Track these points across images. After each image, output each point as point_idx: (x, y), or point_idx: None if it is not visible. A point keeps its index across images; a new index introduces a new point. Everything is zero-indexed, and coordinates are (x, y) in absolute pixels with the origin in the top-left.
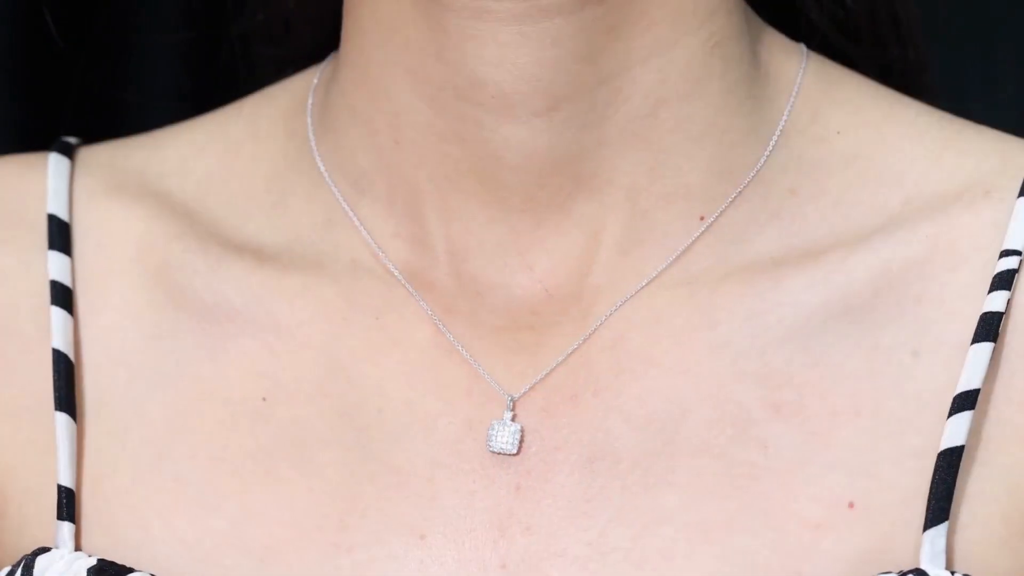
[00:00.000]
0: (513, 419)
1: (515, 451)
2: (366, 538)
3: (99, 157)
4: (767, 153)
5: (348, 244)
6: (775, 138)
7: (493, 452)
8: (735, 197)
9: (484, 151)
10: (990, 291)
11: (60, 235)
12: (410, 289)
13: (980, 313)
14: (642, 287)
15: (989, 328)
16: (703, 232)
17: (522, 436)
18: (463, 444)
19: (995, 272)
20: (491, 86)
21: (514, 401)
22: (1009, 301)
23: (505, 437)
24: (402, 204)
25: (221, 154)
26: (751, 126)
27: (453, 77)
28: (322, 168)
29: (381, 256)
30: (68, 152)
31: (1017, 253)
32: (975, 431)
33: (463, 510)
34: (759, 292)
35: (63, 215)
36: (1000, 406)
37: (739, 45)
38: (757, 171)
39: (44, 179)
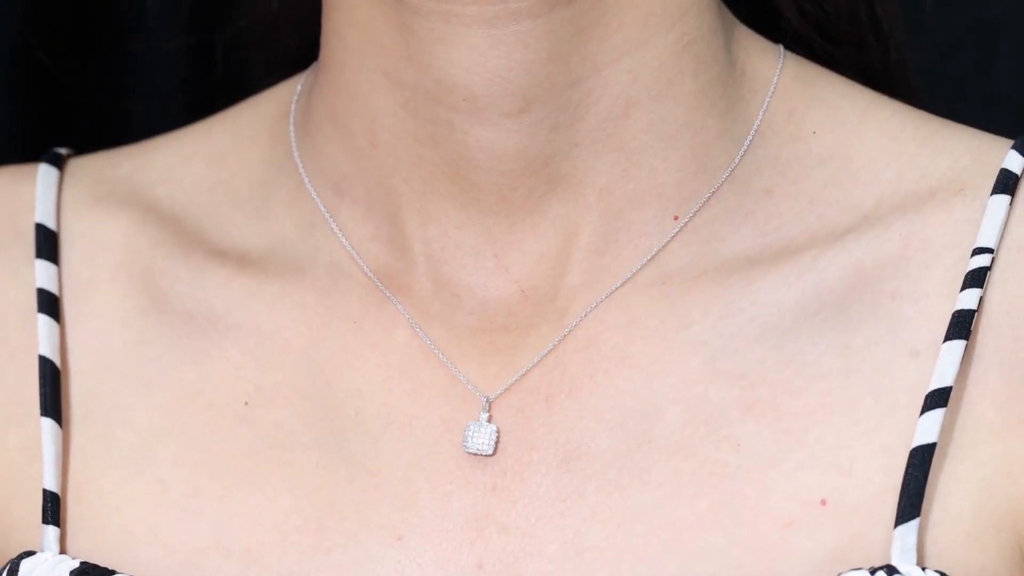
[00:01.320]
0: (489, 420)
1: (491, 452)
2: (344, 539)
3: (88, 167)
4: (742, 153)
5: (327, 248)
6: (750, 138)
7: (469, 453)
8: (709, 197)
9: (457, 153)
10: (962, 288)
11: (47, 244)
12: (387, 293)
13: (953, 311)
14: (616, 288)
15: (962, 326)
16: (678, 232)
17: (498, 437)
18: (440, 445)
19: (967, 270)
20: (461, 89)
21: (490, 402)
22: (981, 298)
23: (481, 438)
24: (380, 207)
25: (207, 162)
26: (725, 126)
27: (424, 80)
28: (303, 173)
29: (358, 260)
30: (57, 163)
31: (989, 251)
32: (947, 428)
33: (440, 511)
34: (733, 291)
35: (50, 224)
36: (973, 403)
37: (712, 45)
38: (731, 171)
39: (32, 189)
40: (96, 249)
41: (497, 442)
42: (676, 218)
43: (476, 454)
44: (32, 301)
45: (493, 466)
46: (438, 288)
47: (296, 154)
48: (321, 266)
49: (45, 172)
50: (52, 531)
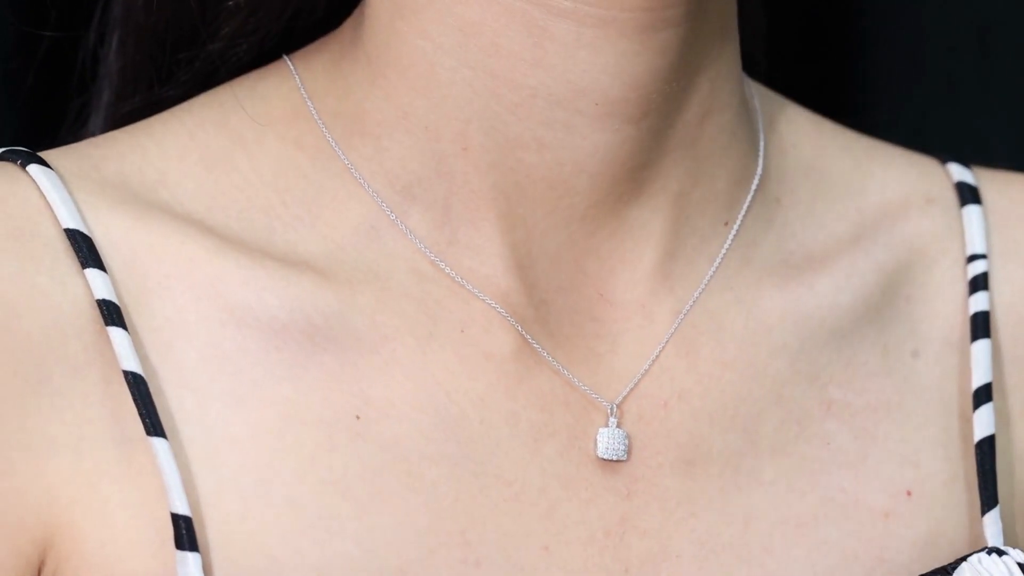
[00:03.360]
0: (618, 426)
1: (626, 457)
2: (491, 551)
3: (71, 169)
4: (760, 163)
5: (402, 254)
6: (762, 150)
7: (603, 459)
8: (745, 206)
9: (567, 157)
10: (972, 292)
11: (90, 251)
12: (490, 302)
13: (964, 312)
14: (699, 293)
15: (984, 326)
16: (730, 239)
17: (629, 442)
18: (570, 452)
19: (971, 275)
20: (598, 93)
21: (618, 407)
22: (990, 301)
23: (615, 444)
24: (461, 211)
25: (204, 165)
26: (750, 138)
27: (552, 83)
28: (358, 176)
29: (444, 267)
30: (42, 163)
31: (983, 256)
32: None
33: (580, 518)
34: (797, 296)
35: (83, 229)
36: (1000, 396)
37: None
38: (758, 180)
39: (35, 191)
40: (136, 257)
41: (629, 447)
42: (726, 224)
43: (609, 460)
44: (88, 312)
45: (624, 472)
46: (527, 293)
47: (344, 157)
48: (402, 272)
49: (44, 174)
50: (192, 558)
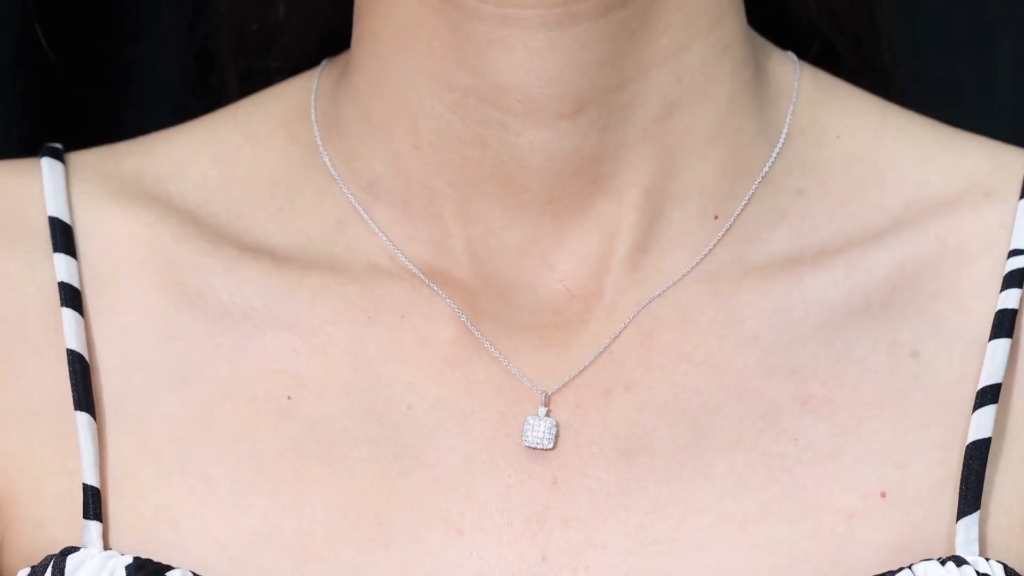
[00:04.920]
0: (547, 414)
1: (551, 446)
2: (403, 533)
3: (89, 162)
4: (774, 155)
5: (364, 247)
6: (781, 140)
7: (528, 447)
8: (748, 197)
9: (507, 155)
10: (1003, 289)
11: (64, 237)
12: (435, 288)
13: (994, 310)
14: (669, 286)
15: (1006, 325)
16: (720, 231)
17: (557, 431)
18: (497, 440)
19: (1006, 271)
20: (518, 91)
21: (548, 396)
22: (1022, 299)
23: (541, 432)
24: (419, 208)
25: (216, 159)
26: (758, 128)
27: (477, 83)
28: (333, 172)
29: (401, 258)
30: (58, 157)
31: (1022, 252)
32: (999, 423)
33: (500, 504)
34: (782, 289)
35: (65, 218)
36: (1018, 399)
37: (745, 48)
38: (765, 172)
39: (39, 183)
40: (115, 243)
41: (556, 436)
42: (716, 217)
43: (535, 448)
44: (52, 295)
45: (552, 460)
46: (484, 286)
47: (324, 154)
48: (359, 264)
49: (50, 166)
50: (95, 526)
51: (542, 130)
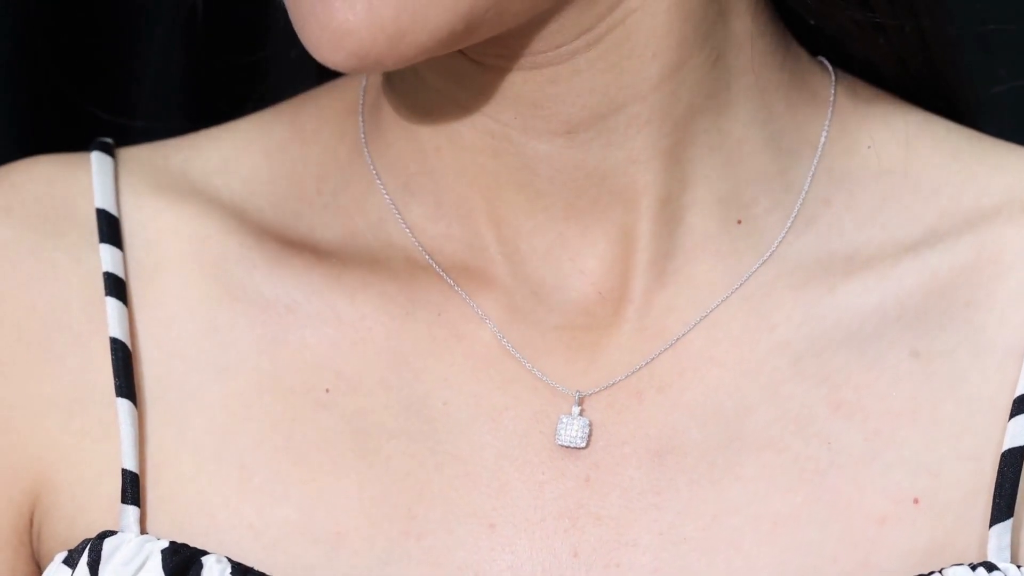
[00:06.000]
0: (581, 414)
1: (583, 444)
2: (435, 526)
3: (139, 157)
4: (802, 163)
5: (402, 243)
6: (819, 151)
7: (561, 445)
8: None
9: (519, 163)
10: None
11: (110, 229)
12: (462, 293)
13: None
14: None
15: None
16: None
17: (590, 430)
18: (530, 437)
19: None
20: (508, 112)
21: (582, 396)
22: None
23: (574, 430)
24: (451, 207)
25: (265, 154)
26: (769, 134)
27: (473, 101)
28: (372, 169)
29: (429, 259)
30: (108, 151)
31: None
32: None
33: (532, 500)
34: (813, 296)
35: (112, 210)
36: None
37: (742, 54)
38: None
39: (89, 176)
40: (161, 236)
41: (589, 435)
42: (739, 222)
43: (568, 446)
44: (97, 286)
45: (585, 458)
46: (519, 284)
47: (366, 150)
48: (396, 260)
49: (99, 160)
50: (132, 511)
51: (542, 143)
